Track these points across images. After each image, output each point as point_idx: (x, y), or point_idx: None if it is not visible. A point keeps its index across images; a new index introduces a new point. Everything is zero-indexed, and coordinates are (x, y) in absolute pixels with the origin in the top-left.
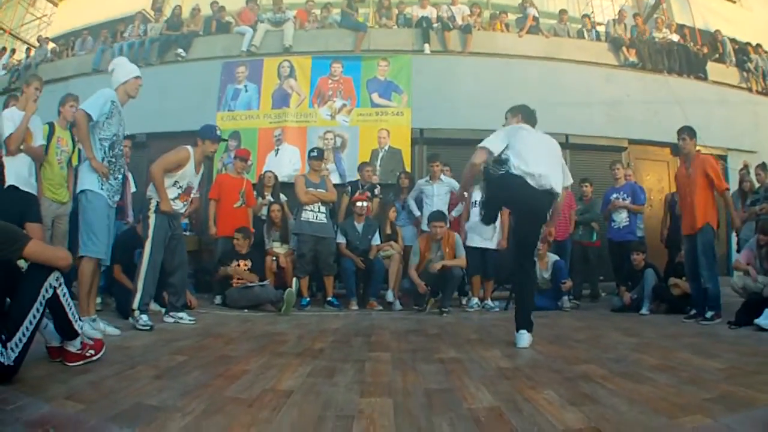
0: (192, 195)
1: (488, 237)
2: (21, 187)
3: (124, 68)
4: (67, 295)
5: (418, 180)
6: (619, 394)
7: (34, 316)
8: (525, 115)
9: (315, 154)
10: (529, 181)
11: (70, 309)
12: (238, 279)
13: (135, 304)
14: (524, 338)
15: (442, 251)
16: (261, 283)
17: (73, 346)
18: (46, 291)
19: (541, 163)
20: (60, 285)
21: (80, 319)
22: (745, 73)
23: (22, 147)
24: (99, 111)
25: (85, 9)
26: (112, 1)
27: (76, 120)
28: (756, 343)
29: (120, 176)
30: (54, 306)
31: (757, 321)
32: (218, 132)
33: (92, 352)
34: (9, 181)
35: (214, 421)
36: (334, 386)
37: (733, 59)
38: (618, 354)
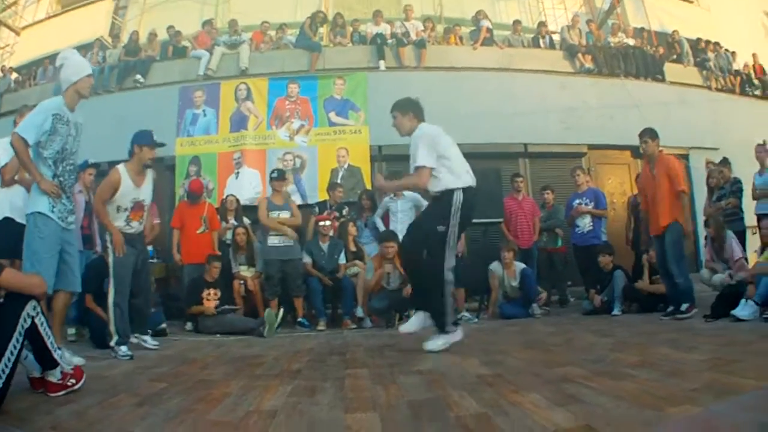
0: (145, 209)
1: None
2: (16, 219)
3: (74, 65)
4: (45, 324)
5: (384, 198)
6: (603, 393)
7: (15, 347)
8: (417, 111)
9: (276, 175)
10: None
11: (49, 338)
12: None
13: (113, 343)
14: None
15: (398, 269)
16: (233, 307)
17: (54, 376)
18: (24, 321)
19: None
20: (38, 314)
21: (59, 348)
22: (705, 72)
23: (16, 177)
24: (37, 132)
25: (47, 37)
26: (73, 29)
27: (12, 146)
28: (734, 334)
29: (71, 194)
30: (33, 336)
31: (734, 312)
32: (153, 136)
33: (73, 381)
34: (4, 212)
35: None
36: (317, 405)
37: (691, 59)
38: (595, 355)
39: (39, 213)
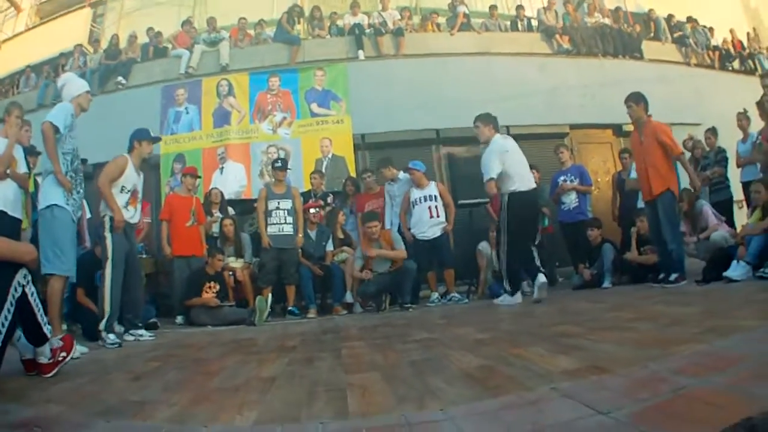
0: (139, 200)
1: (432, 225)
2: (9, 213)
3: (75, 83)
4: (35, 295)
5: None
6: (605, 342)
7: (6, 317)
8: (495, 124)
9: (279, 164)
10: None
11: (39, 311)
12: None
13: (102, 326)
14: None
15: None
16: (229, 304)
17: (45, 356)
18: (15, 290)
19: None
20: (28, 283)
21: (48, 323)
22: (684, 49)
23: (8, 172)
24: (64, 123)
25: (28, 49)
26: (53, 38)
27: (43, 133)
28: (727, 291)
29: (81, 191)
30: (23, 307)
31: (726, 273)
32: (151, 132)
33: (64, 354)
34: None
35: (202, 408)
36: (316, 369)
37: (669, 36)
38: (591, 316)
39: (56, 205)
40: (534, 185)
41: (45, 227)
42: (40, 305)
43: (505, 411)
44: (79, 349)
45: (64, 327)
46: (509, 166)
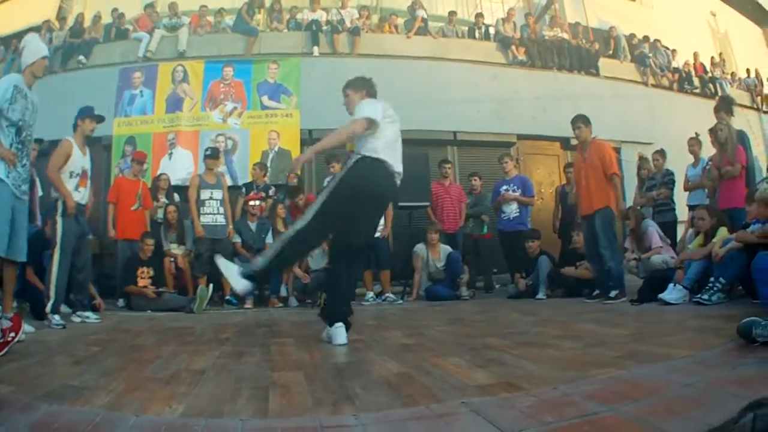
0: (89, 178)
1: None
2: None
3: (31, 47)
4: None
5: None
6: (525, 358)
7: None
8: (370, 89)
9: (209, 152)
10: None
11: None
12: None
13: (48, 308)
14: (341, 332)
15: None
16: (171, 291)
17: None
18: None
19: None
20: None
21: None
22: (642, 68)
23: None
24: (2, 98)
25: None
26: (22, 13)
27: None
28: (660, 314)
29: (27, 163)
30: None
31: (661, 296)
32: (95, 110)
33: (13, 334)
34: None
35: (135, 396)
36: (245, 364)
37: (629, 55)
38: (519, 329)
39: None
40: (399, 172)
41: None
42: None
43: (414, 422)
44: (26, 329)
45: (14, 304)
46: (383, 128)
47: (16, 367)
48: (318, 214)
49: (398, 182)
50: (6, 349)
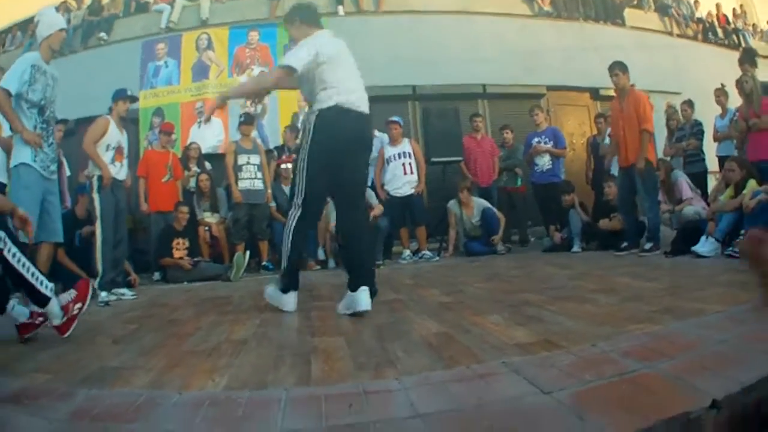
0: (125, 155)
1: (406, 182)
2: None
3: (47, 20)
4: (18, 256)
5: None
6: (562, 314)
7: None
8: (306, 16)
9: (243, 119)
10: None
11: (28, 271)
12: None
13: (96, 284)
14: (364, 297)
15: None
16: (205, 260)
17: (56, 317)
18: None
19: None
20: (6, 245)
21: (46, 282)
22: (666, 18)
23: None
24: (18, 82)
25: (14, 7)
26: None
27: None
28: (693, 267)
29: (54, 142)
30: (9, 271)
31: (694, 248)
32: (128, 91)
33: (79, 305)
34: None
35: (176, 373)
36: (286, 331)
37: (652, 5)
38: (555, 283)
39: (22, 164)
40: (366, 110)
41: (10, 189)
42: (28, 265)
43: (455, 383)
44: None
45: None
46: (328, 71)
47: (51, 353)
48: (307, 188)
49: (367, 110)
50: (73, 325)
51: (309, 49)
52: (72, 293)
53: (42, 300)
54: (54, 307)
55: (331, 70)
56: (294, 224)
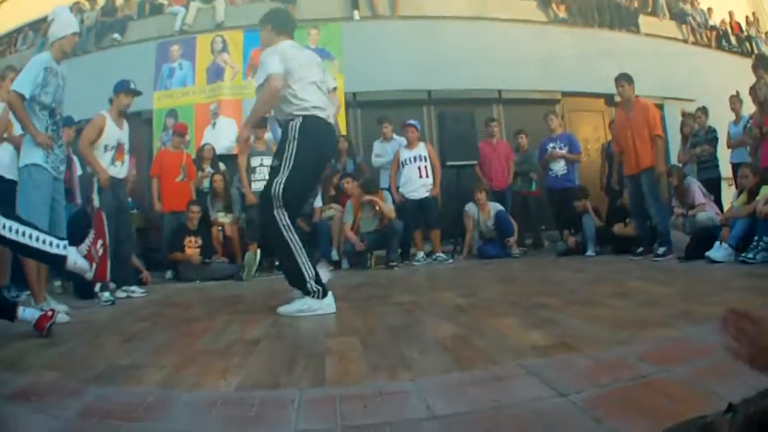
0: (125, 152)
1: (421, 185)
2: (6, 176)
3: (60, 22)
4: (16, 226)
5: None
6: (578, 317)
7: None
8: (278, 23)
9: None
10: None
11: (31, 238)
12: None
13: (97, 287)
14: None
15: (374, 210)
16: (218, 260)
17: (86, 271)
18: None
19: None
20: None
21: (54, 239)
22: (683, 26)
23: (5, 135)
24: (32, 85)
25: (26, 7)
26: None
27: (9, 103)
28: (707, 272)
29: (63, 143)
30: (12, 246)
31: (708, 253)
32: (131, 84)
33: (101, 242)
34: None
35: (188, 372)
36: (299, 332)
37: (667, 12)
38: (570, 287)
39: (34, 164)
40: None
41: (20, 188)
42: (29, 231)
43: (471, 386)
44: (61, 308)
45: (58, 283)
46: (301, 81)
47: (62, 350)
48: (294, 194)
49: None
50: (108, 265)
51: (275, 57)
52: (90, 236)
53: (59, 260)
54: (76, 259)
55: (302, 76)
56: (291, 228)
